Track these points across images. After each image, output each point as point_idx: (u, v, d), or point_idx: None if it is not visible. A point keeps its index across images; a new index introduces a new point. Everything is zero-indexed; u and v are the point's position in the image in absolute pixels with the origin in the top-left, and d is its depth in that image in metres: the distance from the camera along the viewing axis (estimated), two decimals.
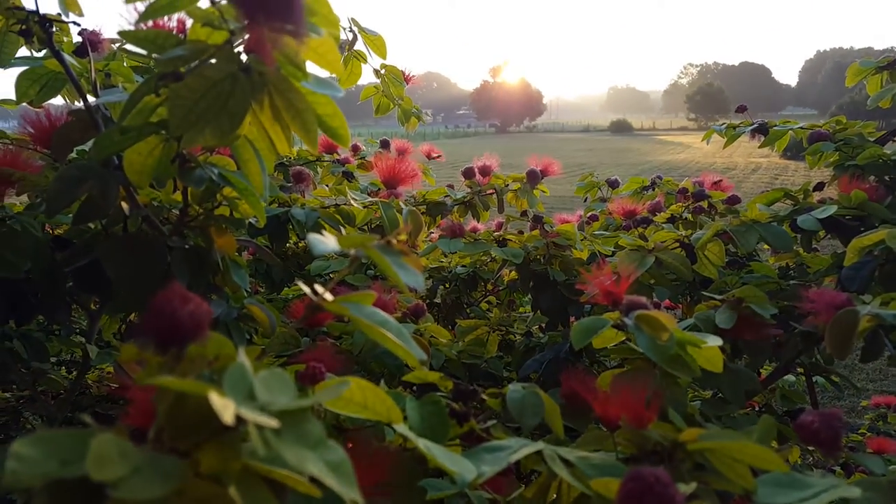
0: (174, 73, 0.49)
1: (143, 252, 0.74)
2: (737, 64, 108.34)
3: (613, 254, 1.41)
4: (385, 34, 1.44)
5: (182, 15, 0.54)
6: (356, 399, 0.55)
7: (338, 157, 1.82)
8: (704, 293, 0.96)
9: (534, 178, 1.52)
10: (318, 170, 1.82)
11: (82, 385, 1.28)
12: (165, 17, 0.67)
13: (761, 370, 1.33)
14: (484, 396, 0.70)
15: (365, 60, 1.48)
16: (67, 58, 0.78)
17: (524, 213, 1.58)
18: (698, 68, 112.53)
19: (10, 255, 0.80)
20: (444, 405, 0.64)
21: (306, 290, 0.52)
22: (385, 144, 2.00)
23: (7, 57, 0.84)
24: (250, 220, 0.78)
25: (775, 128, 1.33)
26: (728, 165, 19.04)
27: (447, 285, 1.69)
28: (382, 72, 1.55)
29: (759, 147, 1.36)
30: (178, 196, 0.78)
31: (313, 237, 0.45)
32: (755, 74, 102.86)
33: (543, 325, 1.43)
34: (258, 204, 0.67)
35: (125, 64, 0.96)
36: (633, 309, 0.66)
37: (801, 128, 1.32)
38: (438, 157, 2.01)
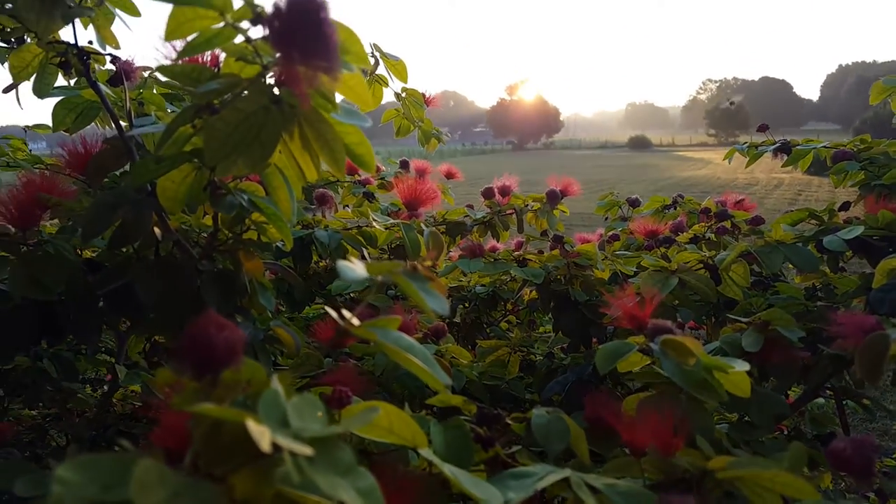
0: (209, 105, 0.51)
1: (173, 275, 0.76)
2: (757, 79, 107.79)
3: (635, 274, 1.41)
4: (402, 52, 1.46)
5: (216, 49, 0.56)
6: (382, 424, 0.56)
7: (359, 178, 1.84)
8: (730, 315, 0.95)
9: (554, 198, 1.52)
10: (339, 190, 1.84)
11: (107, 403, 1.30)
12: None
13: (789, 393, 1.32)
14: (508, 421, 0.70)
15: (386, 84, 1.50)
16: (103, 88, 0.81)
17: (544, 233, 1.59)
18: (717, 84, 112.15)
19: (45, 278, 0.82)
20: (468, 429, 0.64)
21: (333, 314, 0.53)
22: (405, 165, 2.02)
23: (46, 87, 0.87)
24: (277, 243, 0.79)
25: (798, 147, 1.33)
26: (750, 181, 18.89)
27: (466, 305, 1.70)
28: (403, 95, 1.57)
29: (782, 166, 1.35)
30: (207, 220, 0.79)
31: (343, 264, 0.46)
32: (776, 89, 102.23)
33: (565, 345, 1.43)
34: (286, 229, 0.68)
35: (155, 91, 0.99)
36: (658, 333, 0.66)
37: (825, 147, 1.31)
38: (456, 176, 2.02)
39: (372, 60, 1.46)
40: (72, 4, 0.78)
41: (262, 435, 0.32)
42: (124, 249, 0.83)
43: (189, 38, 0.50)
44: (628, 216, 1.89)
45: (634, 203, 1.86)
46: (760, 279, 1.33)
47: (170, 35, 0.49)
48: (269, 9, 0.41)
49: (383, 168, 1.97)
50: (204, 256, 0.77)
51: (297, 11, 0.39)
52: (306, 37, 0.39)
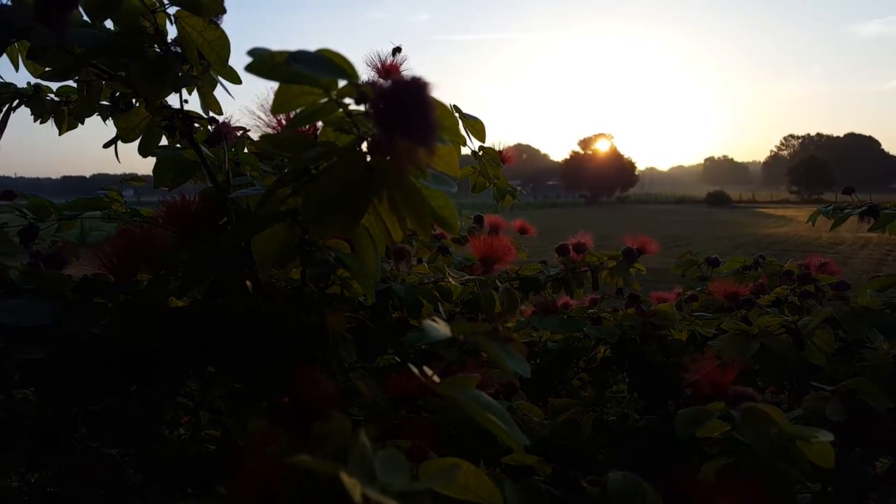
0: (307, 170, 0.55)
1: (261, 327, 0.80)
2: (842, 135, 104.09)
3: (715, 336, 1.38)
4: (476, 104, 1.50)
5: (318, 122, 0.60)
6: (459, 481, 0.56)
7: (434, 232, 1.88)
8: (814, 384, 0.92)
9: (630, 257, 1.52)
10: (414, 243, 1.88)
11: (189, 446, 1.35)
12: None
13: (877, 464, 1.24)
14: (584, 484, 0.70)
15: (464, 143, 1.55)
16: (203, 149, 0.88)
17: (619, 292, 1.58)
18: (800, 140, 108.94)
19: (143, 327, 0.87)
20: (544, 490, 0.64)
21: (415, 370, 0.55)
22: (479, 221, 2.05)
23: (151, 147, 0.95)
24: (359, 297, 0.82)
25: (886, 210, 1.29)
26: (835, 240, 18.07)
27: (538, 361, 1.68)
28: (480, 154, 1.61)
29: (869, 230, 1.31)
30: (294, 274, 0.83)
31: (428, 324, 0.48)
32: (862, 146, 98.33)
33: (639, 406, 1.40)
34: (370, 285, 0.71)
35: (246, 150, 1.06)
36: (739, 400, 0.65)
37: None
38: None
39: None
40: (180, 73, 0.86)
41: (354, 487, 0.34)
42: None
43: (294, 112, 0.54)
44: (707, 276, 1.85)
45: (714, 263, 1.82)
46: (845, 345, 1.27)
47: (276, 109, 0.54)
48: (369, 85, 0.45)
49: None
50: (290, 309, 0.80)
51: (400, 93, 0.42)
52: (408, 117, 0.42)
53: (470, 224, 2.08)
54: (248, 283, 0.78)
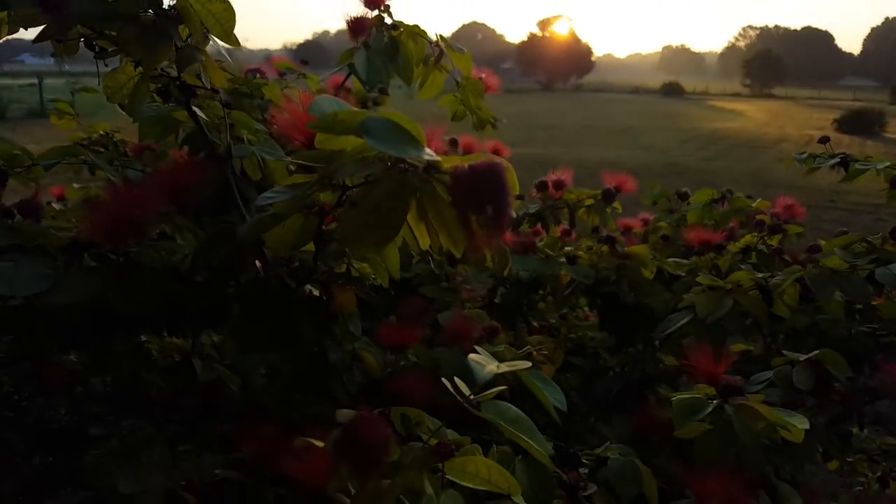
0: (344, 187, 0.56)
1: (270, 300, 0.81)
2: (799, 28, 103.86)
3: (682, 277, 1.45)
4: None
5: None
6: (482, 475, 0.62)
7: None
8: (784, 352, 0.99)
9: (609, 197, 1.55)
10: None
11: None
12: None
13: None
14: (584, 460, 0.76)
15: (447, 71, 1.52)
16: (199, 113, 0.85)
17: (595, 231, 1.62)
18: (758, 31, 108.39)
19: (138, 294, 0.85)
20: (550, 470, 0.70)
21: (449, 387, 0.58)
22: (454, 143, 2.04)
23: (139, 107, 0.90)
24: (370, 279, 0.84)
25: (857, 164, 1.34)
26: (780, 137, 18.42)
27: (507, 286, 1.74)
28: (464, 84, 1.59)
29: (840, 182, 1.36)
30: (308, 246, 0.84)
31: (474, 360, 0.51)
32: (817, 40, 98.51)
33: (610, 345, 1.48)
34: (385, 276, 0.73)
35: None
36: (730, 393, 0.71)
37: (889, 167, 1.31)
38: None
39: (436, 50, 1.48)
40: (179, 44, 0.81)
41: None
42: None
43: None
44: (675, 209, 1.91)
45: (683, 196, 1.88)
46: (805, 293, 1.35)
47: (322, 144, 0.53)
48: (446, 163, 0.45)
49: None
50: (299, 285, 0.82)
51: (481, 180, 0.42)
52: (487, 202, 0.42)
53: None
54: (258, 263, 0.79)
